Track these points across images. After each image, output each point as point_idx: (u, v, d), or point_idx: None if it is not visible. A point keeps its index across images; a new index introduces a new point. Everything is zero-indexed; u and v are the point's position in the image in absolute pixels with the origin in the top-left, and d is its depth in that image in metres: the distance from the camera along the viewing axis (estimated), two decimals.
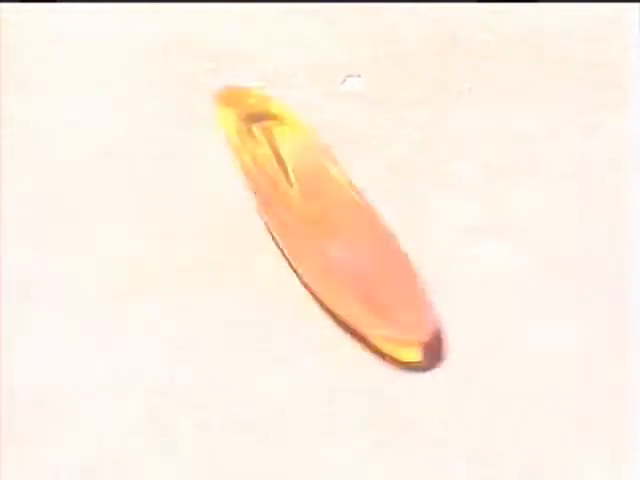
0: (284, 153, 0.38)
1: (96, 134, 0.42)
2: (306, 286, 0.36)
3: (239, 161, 0.38)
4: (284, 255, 0.37)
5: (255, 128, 0.38)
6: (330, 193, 0.37)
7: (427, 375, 0.34)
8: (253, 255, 0.37)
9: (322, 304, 0.35)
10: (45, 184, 0.40)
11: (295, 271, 0.36)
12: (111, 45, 0.46)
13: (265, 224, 0.38)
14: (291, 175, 0.37)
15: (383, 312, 0.34)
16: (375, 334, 0.34)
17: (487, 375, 0.34)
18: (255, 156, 0.38)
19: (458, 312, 0.35)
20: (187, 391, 0.34)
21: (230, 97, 0.40)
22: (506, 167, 0.40)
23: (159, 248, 0.38)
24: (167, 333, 0.35)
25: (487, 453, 0.31)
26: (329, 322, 0.35)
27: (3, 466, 0.31)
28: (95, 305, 0.36)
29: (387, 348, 0.34)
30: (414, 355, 0.33)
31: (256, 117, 0.39)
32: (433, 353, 0.34)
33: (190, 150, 0.42)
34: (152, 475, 0.31)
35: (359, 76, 0.43)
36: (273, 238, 0.37)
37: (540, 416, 0.32)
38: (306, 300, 0.36)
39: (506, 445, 0.32)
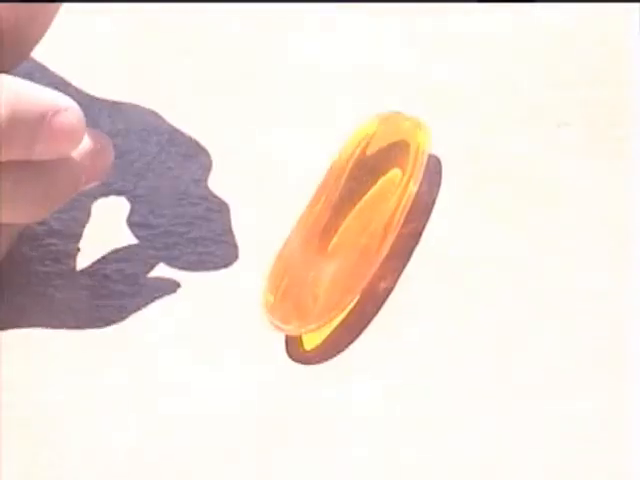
0: None
1: None
2: None
3: None
4: None
5: None
6: None
7: (429, 368, 0.34)
8: None
9: None
10: None
11: None
12: (112, 45, 0.46)
13: None
14: None
15: None
16: None
17: (486, 373, 0.33)
18: None
19: (461, 309, 0.35)
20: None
21: None
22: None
23: None
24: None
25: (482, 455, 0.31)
26: None
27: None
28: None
29: None
30: None
31: None
32: None
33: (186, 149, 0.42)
34: None
35: None
36: None
37: (540, 415, 0.32)
38: None
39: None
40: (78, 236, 0.38)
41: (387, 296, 0.36)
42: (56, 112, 0.33)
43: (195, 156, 0.41)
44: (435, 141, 0.39)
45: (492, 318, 0.35)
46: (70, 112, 0.33)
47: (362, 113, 0.40)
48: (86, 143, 0.35)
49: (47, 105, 0.33)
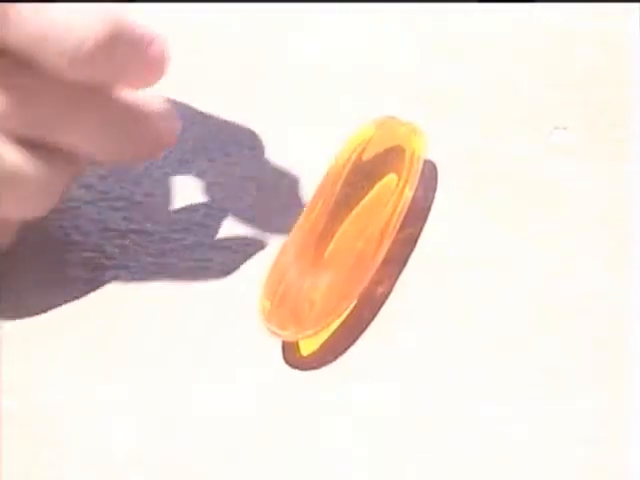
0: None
1: None
2: None
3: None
4: None
5: None
6: None
7: (428, 371, 0.33)
8: None
9: None
10: None
11: None
12: None
13: None
14: None
15: None
16: None
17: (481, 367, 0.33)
18: None
19: (460, 310, 0.35)
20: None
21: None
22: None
23: None
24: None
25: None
26: None
27: None
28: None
29: None
30: None
31: None
32: None
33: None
34: None
35: None
36: None
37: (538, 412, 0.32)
38: None
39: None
40: (75, 243, 0.38)
41: (384, 301, 0.36)
42: (153, 39, 0.33)
43: (192, 162, 0.41)
44: (434, 142, 0.39)
45: (492, 318, 0.35)
46: (162, 42, 0.33)
47: (362, 113, 0.40)
48: (158, 101, 0.35)
49: (146, 31, 0.33)
